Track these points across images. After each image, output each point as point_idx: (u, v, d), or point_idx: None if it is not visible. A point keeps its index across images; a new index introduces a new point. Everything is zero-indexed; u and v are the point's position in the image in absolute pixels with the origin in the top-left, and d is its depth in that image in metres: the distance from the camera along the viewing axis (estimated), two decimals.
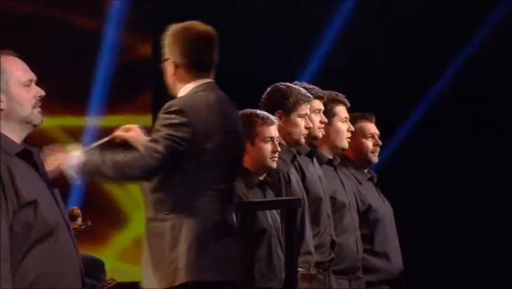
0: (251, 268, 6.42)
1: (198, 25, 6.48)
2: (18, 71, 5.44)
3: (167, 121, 6.16)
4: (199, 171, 6.16)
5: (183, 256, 6.08)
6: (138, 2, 12.32)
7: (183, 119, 6.17)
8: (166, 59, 6.40)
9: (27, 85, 5.43)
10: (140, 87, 12.67)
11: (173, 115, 6.18)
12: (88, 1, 12.43)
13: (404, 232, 8.33)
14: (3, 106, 5.37)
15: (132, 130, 6.39)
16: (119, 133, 6.34)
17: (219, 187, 6.19)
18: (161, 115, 6.23)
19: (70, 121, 11.56)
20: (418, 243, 8.67)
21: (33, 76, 5.48)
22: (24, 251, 5.26)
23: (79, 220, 8.83)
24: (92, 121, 12.08)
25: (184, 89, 6.36)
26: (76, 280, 5.41)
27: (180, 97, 6.35)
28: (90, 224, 8.99)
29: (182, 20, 6.40)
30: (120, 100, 12.57)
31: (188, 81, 6.36)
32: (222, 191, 6.20)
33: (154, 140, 6.14)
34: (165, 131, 6.15)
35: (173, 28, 6.44)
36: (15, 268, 5.23)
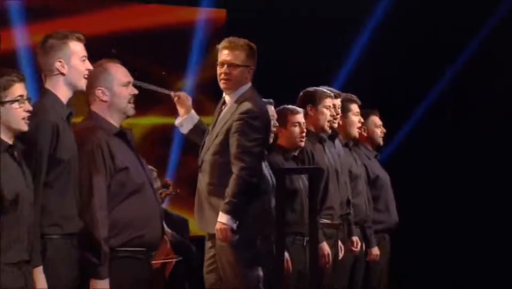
0: (283, 217, 6.42)
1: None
2: (119, 75, 5.42)
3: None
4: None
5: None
6: None
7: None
8: (245, 65, 6.19)
9: (125, 85, 5.40)
10: None
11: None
12: None
13: (400, 195, 8.27)
14: (106, 99, 5.34)
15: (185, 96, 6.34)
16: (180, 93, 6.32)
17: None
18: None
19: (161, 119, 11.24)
20: (409, 204, 8.53)
21: (131, 79, 5.46)
22: (118, 202, 5.24)
23: (170, 188, 8.82)
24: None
25: (242, 89, 6.20)
26: (158, 225, 5.39)
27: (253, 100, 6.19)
28: (178, 191, 8.98)
29: None
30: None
31: (246, 83, 6.22)
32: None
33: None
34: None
35: (247, 43, 6.27)
36: (111, 216, 5.19)
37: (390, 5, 11.23)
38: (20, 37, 10.73)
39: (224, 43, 6.27)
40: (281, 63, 10.43)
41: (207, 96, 10.57)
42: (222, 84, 6.23)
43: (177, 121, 6.35)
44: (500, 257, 10.74)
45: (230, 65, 6.16)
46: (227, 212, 5.92)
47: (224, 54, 6.22)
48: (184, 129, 6.36)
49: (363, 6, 11.20)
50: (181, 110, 6.35)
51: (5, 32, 10.67)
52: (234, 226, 5.93)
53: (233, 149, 6.03)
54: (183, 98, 6.29)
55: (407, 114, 11.32)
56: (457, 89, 11.39)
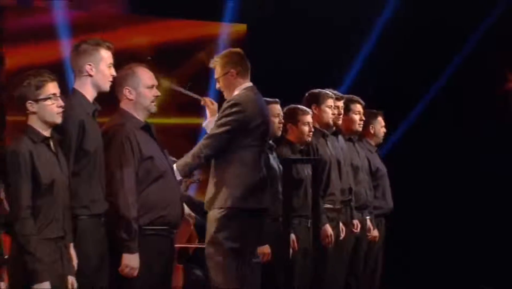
0: (290, 202, 6.34)
1: (235, 50, 6.22)
2: (145, 78, 5.41)
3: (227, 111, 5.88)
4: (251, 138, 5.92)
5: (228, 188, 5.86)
6: None
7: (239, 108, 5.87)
8: (224, 74, 5.99)
9: (149, 87, 5.39)
10: None
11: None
12: None
13: (395, 185, 8.27)
14: (132, 98, 5.34)
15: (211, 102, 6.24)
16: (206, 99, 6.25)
17: (258, 149, 5.92)
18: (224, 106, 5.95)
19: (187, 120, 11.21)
20: (403, 193, 8.51)
21: (155, 82, 5.43)
22: (144, 187, 5.24)
23: (194, 177, 8.79)
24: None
25: (236, 91, 6.00)
26: (178, 207, 5.39)
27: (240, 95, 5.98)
28: (201, 179, 8.95)
29: None
30: None
31: (238, 85, 6.02)
32: (260, 152, 5.94)
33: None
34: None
35: (220, 55, 6.08)
36: (138, 198, 5.19)
37: (387, 17, 11.31)
38: (66, 49, 10.79)
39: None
40: (294, 70, 10.44)
41: None
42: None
43: (204, 123, 6.29)
44: (486, 237, 10.78)
45: (217, 81, 6.10)
46: (177, 166, 5.76)
47: None
48: (209, 129, 6.30)
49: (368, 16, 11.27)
50: (208, 113, 6.30)
51: (54, 44, 10.77)
52: (179, 177, 5.75)
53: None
54: (209, 103, 6.24)
55: (403, 115, 11.35)
56: (448, 94, 11.44)
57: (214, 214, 5.79)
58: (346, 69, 11.21)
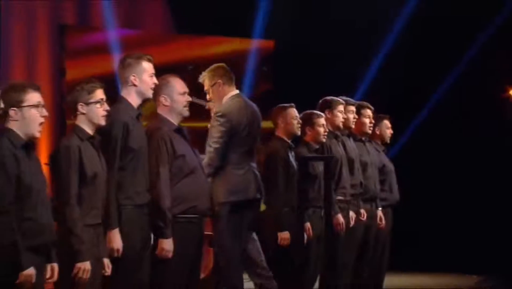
0: (306, 194, 6.44)
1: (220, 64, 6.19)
2: (178, 86, 5.41)
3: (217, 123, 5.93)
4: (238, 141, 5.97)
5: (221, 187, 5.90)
6: None
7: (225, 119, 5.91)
8: (211, 85, 6.02)
9: (182, 94, 5.39)
10: None
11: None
12: None
13: (405, 181, 8.25)
14: (167, 104, 5.35)
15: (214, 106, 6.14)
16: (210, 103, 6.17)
17: (246, 149, 5.98)
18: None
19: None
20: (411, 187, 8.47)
21: (187, 90, 5.42)
22: (177, 181, 5.25)
23: None
24: None
25: (224, 99, 6.03)
26: (206, 198, 5.40)
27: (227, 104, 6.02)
28: None
29: None
30: None
31: (226, 94, 6.04)
32: (247, 151, 5.99)
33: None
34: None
35: (207, 70, 6.10)
36: (172, 191, 5.20)
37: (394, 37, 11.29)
38: (118, 63, 10.87)
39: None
40: (316, 80, 10.43)
41: (259, 109, 10.67)
42: None
43: (209, 125, 6.29)
44: (483, 225, 10.73)
45: (206, 92, 6.10)
46: None
47: None
48: None
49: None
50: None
51: (107, 58, 10.85)
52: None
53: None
54: (212, 107, 6.17)
55: (411, 118, 11.32)
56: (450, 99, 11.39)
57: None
58: (361, 79, 11.23)
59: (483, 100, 11.20)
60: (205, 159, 5.86)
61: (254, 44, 11.67)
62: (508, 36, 10.95)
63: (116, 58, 10.75)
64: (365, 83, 11.18)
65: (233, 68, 6.25)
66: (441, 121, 11.27)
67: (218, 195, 5.83)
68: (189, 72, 10.88)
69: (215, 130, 5.90)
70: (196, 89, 6.16)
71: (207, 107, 6.18)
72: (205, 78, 6.07)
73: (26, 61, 10.66)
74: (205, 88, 6.08)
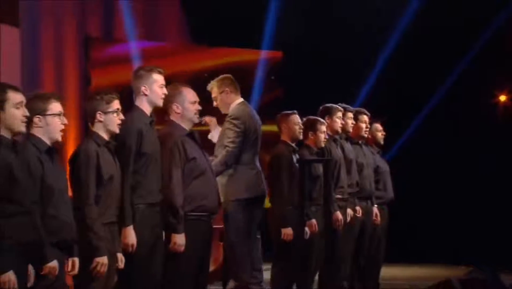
0: (310, 193, 6.43)
1: (226, 75, 6.23)
2: (189, 95, 5.38)
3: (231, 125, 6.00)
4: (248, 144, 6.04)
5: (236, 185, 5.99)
6: None
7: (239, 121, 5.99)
8: (219, 93, 6.10)
9: (193, 103, 5.35)
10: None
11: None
12: None
13: (400, 180, 8.22)
14: (179, 111, 5.31)
15: (210, 119, 6.25)
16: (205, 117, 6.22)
17: (254, 151, 6.04)
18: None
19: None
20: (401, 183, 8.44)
21: (197, 99, 5.39)
22: (189, 182, 5.24)
23: None
24: None
25: (232, 106, 6.10)
26: (215, 197, 5.39)
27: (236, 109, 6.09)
28: None
29: None
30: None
31: (233, 101, 6.11)
32: (255, 153, 6.03)
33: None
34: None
35: (215, 80, 6.18)
36: (184, 191, 5.20)
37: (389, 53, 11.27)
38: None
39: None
40: (321, 88, 10.41)
41: (267, 115, 10.62)
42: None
43: (209, 136, 6.32)
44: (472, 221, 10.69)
45: (214, 99, 6.14)
46: None
47: None
48: (214, 139, 6.28)
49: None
50: (210, 127, 6.34)
51: (129, 68, 10.86)
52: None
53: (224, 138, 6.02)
54: (208, 120, 6.26)
55: (407, 123, 11.30)
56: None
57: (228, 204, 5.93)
58: (362, 86, 11.22)
59: (475, 105, 11.18)
60: (219, 157, 5.88)
61: (263, 54, 11.68)
62: (497, 48, 10.93)
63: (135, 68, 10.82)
64: (365, 90, 11.15)
65: (244, 77, 6.34)
66: (436, 125, 11.26)
67: (232, 193, 5.86)
68: (204, 80, 10.90)
69: (230, 132, 5.94)
70: (209, 96, 6.18)
71: (203, 120, 6.21)
72: (213, 86, 6.12)
73: (55, 71, 10.71)
74: (213, 95, 6.11)
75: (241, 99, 6.11)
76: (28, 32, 10.17)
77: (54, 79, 10.63)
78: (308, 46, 11.28)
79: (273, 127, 6.96)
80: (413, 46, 11.06)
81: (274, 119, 6.84)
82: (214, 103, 6.12)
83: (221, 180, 5.90)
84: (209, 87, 6.13)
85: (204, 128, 6.20)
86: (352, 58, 10.85)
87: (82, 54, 10.98)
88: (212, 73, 11.06)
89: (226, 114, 6.14)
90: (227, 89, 6.07)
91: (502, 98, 11.66)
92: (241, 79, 10.87)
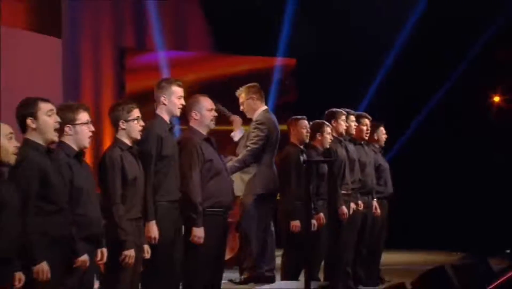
0: (317, 190, 6.43)
1: (254, 83, 6.26)
2: (206, 104, 5.38)
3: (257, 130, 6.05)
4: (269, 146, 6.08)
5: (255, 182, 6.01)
6: None
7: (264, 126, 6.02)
8: (246, 100, 6.15)
9: (209, 110, 5.37)
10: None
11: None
12: None
13: (400, 177, 8.17)
14: (197, 118, 5.33)
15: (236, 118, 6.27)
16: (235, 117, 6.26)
17: (273, 153, 6.06)
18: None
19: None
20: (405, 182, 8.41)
21: (213, 106, 5.40)
22: (206, 181, 5.27)
23: None
24: None
25: (257, 112, 6.16)
26: (230, 194, 5.42)
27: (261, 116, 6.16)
28: None
29: None
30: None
31: (258, 108, 6.16)
32: (273, 155, 6.07)
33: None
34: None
35: (244, 87, 6.22)
36: (203, 190, 5.23)
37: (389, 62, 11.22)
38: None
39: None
40: (332, 93, 10.35)
41: (282, 116, 10.61)
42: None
43: (232, 133, 6.33)
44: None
45: (241, 104, 6.16)
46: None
47: None
48: (236, 138, 6.31)
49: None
50: (235, 127, 6.34)
51: (158, 75, 10.92)
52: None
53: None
54: (235, 119, 6.28)
55: (406, 124, 11.25)
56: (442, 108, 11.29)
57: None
58: (366, 91, 11.20)
59: (470, 105, 11.12)
60: (239, 156, 5.91)
61: (278, 61, 11.63)
62: (491, 52, 10.83)
63: (165, 75, 10.88)
64: (369, 95, 11.13)
65: (260, 82, 6.38)
66: (435, 125, 11.18)
67: (251, 188, 5.90)
68: (225, 85, 10.96)
69: (254, 134, 6.01)
70: (230, 100, 6.22)
71: (231, 118, 6.23)
72: (241, 92, 6.19)
73: (94, 79, 10.79)
74: (241, 100, 6.14)
75: (265, 107, 6.15)
76: (69, 43, 10.26)
77: (92, 87, 10.70)
78: (321, 53, 11.24)
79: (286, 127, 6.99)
80: (412, 53, 11.02)
81: (286, 121, 6.84)
82: (241, 108, 6.13)
83: (243, 177, 5.91)
84: (237, 93, 6.19)
85: (227, 128, 6.24)
86: (357, 63, 10.82)
87: (117, 63, 11.05)
88: (232, 79, 11.29)
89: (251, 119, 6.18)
90: (253, 96, 6.13)
91: (496, 99, 11.59)
92: (258, 84, 11.02)
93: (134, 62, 11.17)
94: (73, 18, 10.38)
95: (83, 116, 4.36)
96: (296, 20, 11.15)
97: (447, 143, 11.06)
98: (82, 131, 4.35)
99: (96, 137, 9.01)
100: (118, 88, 10.98)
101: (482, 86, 11.23)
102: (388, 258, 8.53)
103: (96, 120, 10.63)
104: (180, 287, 5.23)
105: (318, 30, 11.22)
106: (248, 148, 5.92)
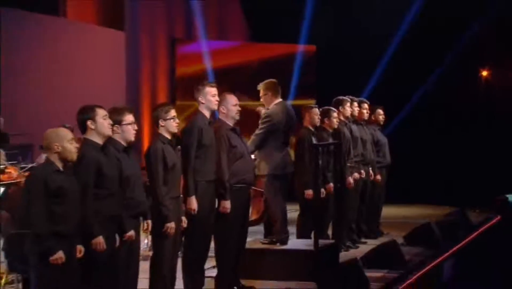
0: (327, 164, 6.36)
1: (272, 80, 6.08)
2: (231, 100, 5.32)
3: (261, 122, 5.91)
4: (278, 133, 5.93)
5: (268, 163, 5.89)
6: None
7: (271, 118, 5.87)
8: (263, 94, 5.99)
9: (234, 105, 5.31)
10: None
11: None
12: None
13: (393, 148, 8.03)
14: (224, 112, 5.29)
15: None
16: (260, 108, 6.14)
17: (284, 139, 5.96)
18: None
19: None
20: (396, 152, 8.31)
21: (237, 102, 5.33)
22: (233, 163, 5.25)
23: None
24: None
25: (271, 105, 5.99)
26: (251, 173, 5.41)
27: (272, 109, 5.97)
28: None
29: None
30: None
31: (273, 101, 6.01)
32: (285, 140, 5.97)
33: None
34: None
35: (263, 83, 6.04)
36: (230, 169, 5.21)
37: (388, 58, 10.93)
38: (208, 64, 10.94)
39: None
40: (350, 80, 10.01)
41: (303, 98, 10.58)
42: None
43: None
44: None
45: (261, 98, 6.05)
46: None
47: None
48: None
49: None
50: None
51: (201, 61, 10.92)
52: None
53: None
54: (260, 110, 6.13)
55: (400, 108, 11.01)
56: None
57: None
58: (368, 80, 10.99)
59: (460, 84, 10.81)
60: (249, 141, 5.85)
61: (300, 48, 11.46)
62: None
63: (207, 62, 10.86)
64: (372, 82, 10.90)
65: (283, 68, 6.25)
66: (428, 104, 10.96)
67: (263, 168, 5.83)
68: (254, 69, 10.92)
69: (260, 126, 5.92)
70: (259, 81, 6.15)
71: (257, 109, 6.19)
72: (261, 88, 6.07)
73: (151, 68, 10.81)
74: (260, 94, 6.05)
75: (279, 100, 6.00)
76: (130, 35, 10.26)
77: (149, 76, 10.73)
78: (341, 40, 11.02)
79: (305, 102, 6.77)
80: (412, 39, 10.79)
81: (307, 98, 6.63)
82: (261, 99, 6.08)
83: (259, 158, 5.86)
84: (258, 87, 6.06)
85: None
86: (364, 54, 10.61)
87: (169, 51, 11.05)
88: (260, 64, 11.23)
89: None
90: (269, 92, 6.00)
91: (484, 73, 11.28)
92: (281, 69, 10.83)
93: (182, 50, 11.16)
94: (133, 9, 10.28)
95: (128, 118, 4.38)
96: (316, 11, 10.94)
97: (438, 118, 10.90)
98: (127, 130, 4.35)
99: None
100: (170, 72, 11.01)
101: (471, 63, 10.96)
102: (387, 212, 8.48)
103: (152, 103, 10.71)
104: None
105: (335, 20, 11.01)
106: (252, 137, 5.91)
